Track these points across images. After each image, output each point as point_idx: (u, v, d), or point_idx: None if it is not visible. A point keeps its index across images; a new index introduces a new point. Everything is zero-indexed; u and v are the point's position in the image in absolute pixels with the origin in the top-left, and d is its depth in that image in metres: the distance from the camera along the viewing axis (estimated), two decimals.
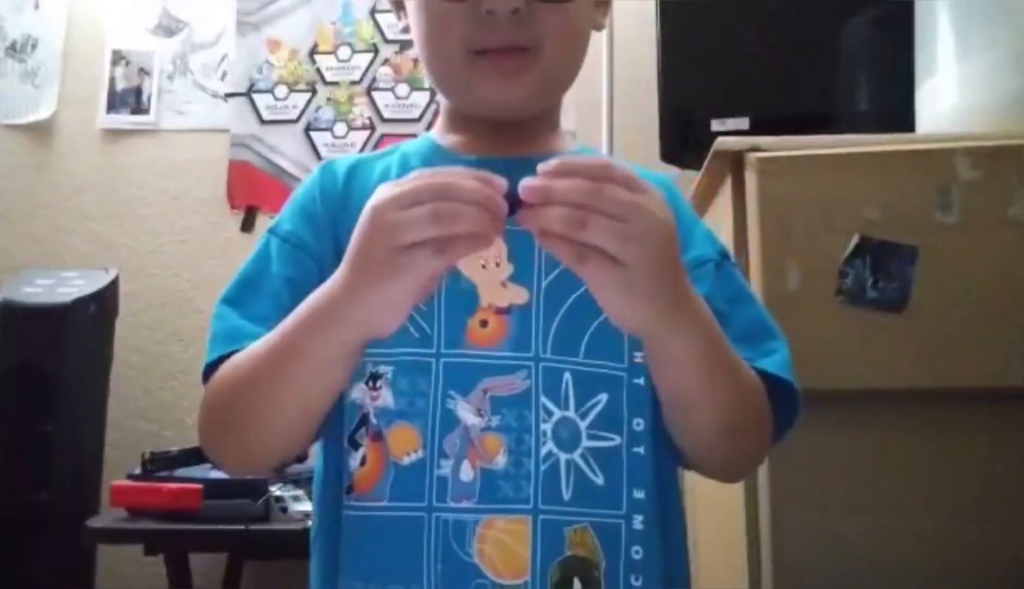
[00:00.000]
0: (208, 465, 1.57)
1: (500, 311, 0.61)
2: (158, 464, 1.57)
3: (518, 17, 0.62)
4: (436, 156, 0.70)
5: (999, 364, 0.83)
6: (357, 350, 0.58)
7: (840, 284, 0.86)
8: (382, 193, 0.54)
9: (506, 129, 0.68)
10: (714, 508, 1.01)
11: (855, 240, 0.86)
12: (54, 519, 1.66)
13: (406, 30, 0.72)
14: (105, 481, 1.73)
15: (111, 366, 1.86)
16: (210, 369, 0.62)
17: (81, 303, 1.74)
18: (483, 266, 0.62)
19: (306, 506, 1.47)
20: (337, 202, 0.67)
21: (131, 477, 1.57)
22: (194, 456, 1.58)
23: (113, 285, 1.84)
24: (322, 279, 0.63)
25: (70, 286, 1.77)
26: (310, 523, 0.66)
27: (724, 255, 0.70)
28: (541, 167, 0.51)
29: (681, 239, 0.65)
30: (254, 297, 0.64)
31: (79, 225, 2.06)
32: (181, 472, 1.55)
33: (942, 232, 0.86)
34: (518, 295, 0.62)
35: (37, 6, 2.13)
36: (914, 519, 0.83)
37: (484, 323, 0.61)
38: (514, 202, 0.52)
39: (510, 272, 0.62)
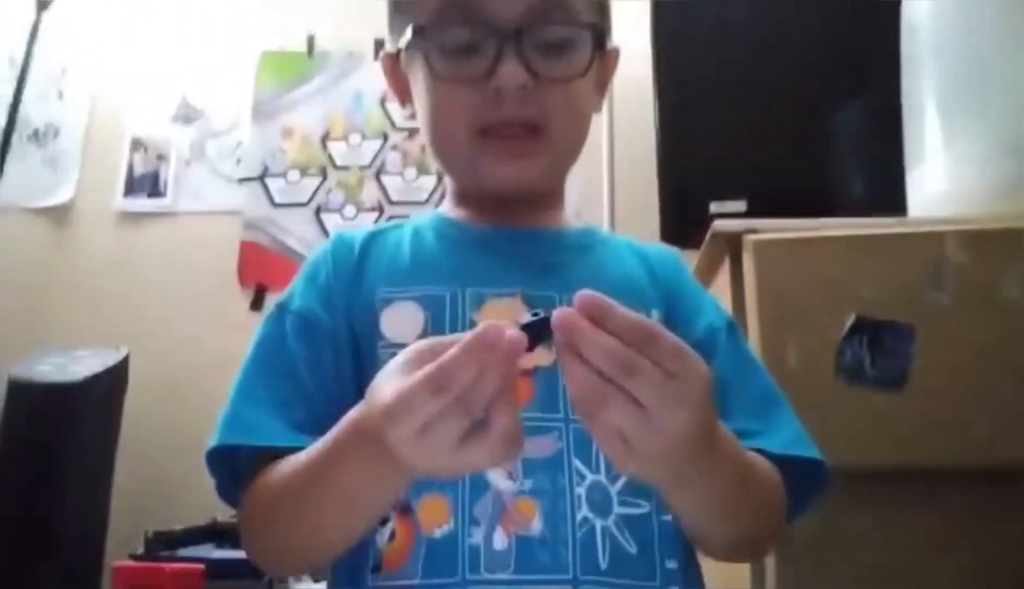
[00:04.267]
0: (211, 544, 1.56)
1: (524, 373, 0.59)
2: (161, 543, 1.56)
3: (525, 94, 0.64)
4: (448, 227, 0.71)
5: (998, 442, 0.84)
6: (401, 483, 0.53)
7: (839, 362, 0.88)
8: (386, 391, 0.47)
9: (512, 204, 0.69)
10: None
11: (852, 319, 0.88)
12: None
13: (412, 117, 0.72)
14: (108, 559, 1.71)
15: (117, 444, 1.86)
16: (212, 454, 0.60)
17: (91, 382, 1.75)
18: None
19: (310, 586, 1.45)
20: (351, 274, 0.66)
21: (133, 557, 1.55)
22: (197, 535, 1.57)
23: (123, 364, 1.85)
24: (336, 355, 0.62)
25: (81, 364, 1.79)
26: None
27: (731, 325, 0.70)
28: (581, 299, 0.45)
29: (689, 309, 0.68)
30: (271, 380, 0.62)
31: (93, 304, 2.09)
32: (184, 551, 1.54)
33: (937, 311, 0.88)
34: (543, 357, 0.59)
35: (61, 95, 2.22)
36: None
37: None
38: (540, 327, 0.46)
39: None
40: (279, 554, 0.60)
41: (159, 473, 1.99)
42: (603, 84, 0.74)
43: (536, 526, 0.56)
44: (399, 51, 0.71)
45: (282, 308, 0.66)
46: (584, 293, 0.45)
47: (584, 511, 0.57)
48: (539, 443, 0.58)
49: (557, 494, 0.57)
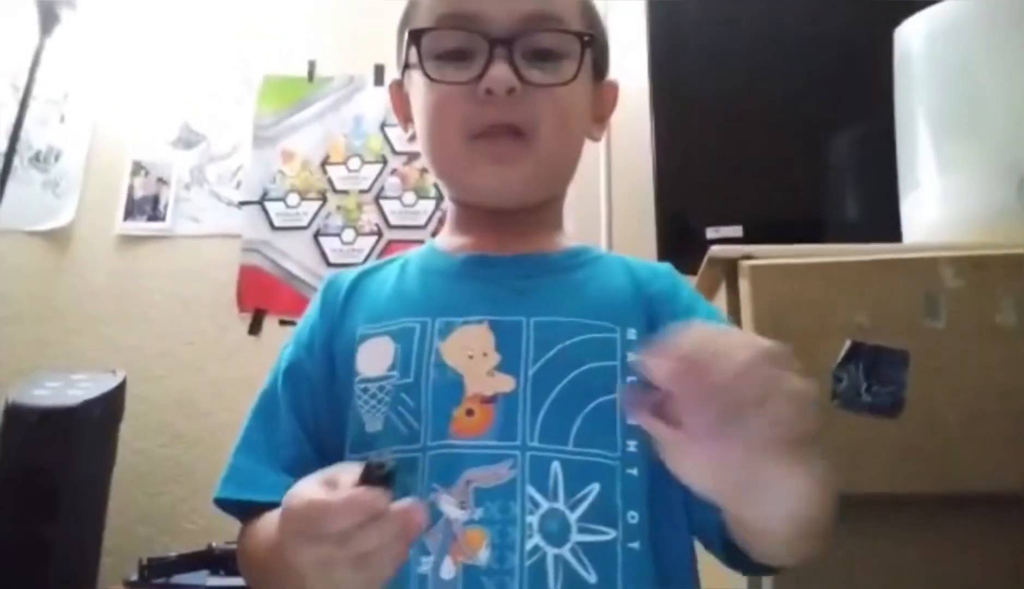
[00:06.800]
0: (206, 571, 1.54)
1: (486, 400, 0.60)
2: (155, 571, 1.55)
3: (514, 97, 0.66)
4: (432, 258, 0.72)
5: (992, 468, 0.84)
6: None
7: (835, 388, 0.88)
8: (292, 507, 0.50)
9: (506, 226, 0.70)
10: None
11: (847, 345, 0.89)
12: None
13: (412, 139, 0.75)
14: (101, 585, 1.70)
15: (113, 469, 1.85)
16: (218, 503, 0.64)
17: (87, 407, 1.75)
18: (470, 357, 0.62)
19: None
20: (335, 316, 0.69)
21: (127, 583, 1.54)
22: (192, 562, 1.56)
23: (120, 388, 1.85)
24: (313, 398, 0.65)
25: (78, 389, 1.78)
26: None
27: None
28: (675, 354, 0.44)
29: (681, 317, 0.66)
30: (263, 426, 0.66)
31: (90, 328, 2.09)
32: (179, 578, 1.53)
33: (932, 338, 0.88)
34: (504, 383, 0.61)
35: (63, 119, 2.23)
36: None
37: (470, 412, 0.60)
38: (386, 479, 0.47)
39: (497, 361, 0.61)
40: None
41: (155, 498, 1.98)
42: (602, 117, 0.76)
43: (483, 556, 0.56)
44: (403, 77, 0.74)
45: (281, 355, 0.70)
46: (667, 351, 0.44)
47: (536, 540, 0.56)
48: (492, 472, 0.58)
49: (507, 523, 0.57)
